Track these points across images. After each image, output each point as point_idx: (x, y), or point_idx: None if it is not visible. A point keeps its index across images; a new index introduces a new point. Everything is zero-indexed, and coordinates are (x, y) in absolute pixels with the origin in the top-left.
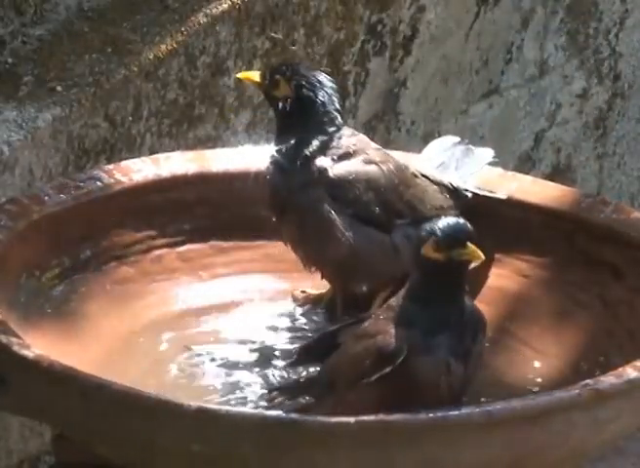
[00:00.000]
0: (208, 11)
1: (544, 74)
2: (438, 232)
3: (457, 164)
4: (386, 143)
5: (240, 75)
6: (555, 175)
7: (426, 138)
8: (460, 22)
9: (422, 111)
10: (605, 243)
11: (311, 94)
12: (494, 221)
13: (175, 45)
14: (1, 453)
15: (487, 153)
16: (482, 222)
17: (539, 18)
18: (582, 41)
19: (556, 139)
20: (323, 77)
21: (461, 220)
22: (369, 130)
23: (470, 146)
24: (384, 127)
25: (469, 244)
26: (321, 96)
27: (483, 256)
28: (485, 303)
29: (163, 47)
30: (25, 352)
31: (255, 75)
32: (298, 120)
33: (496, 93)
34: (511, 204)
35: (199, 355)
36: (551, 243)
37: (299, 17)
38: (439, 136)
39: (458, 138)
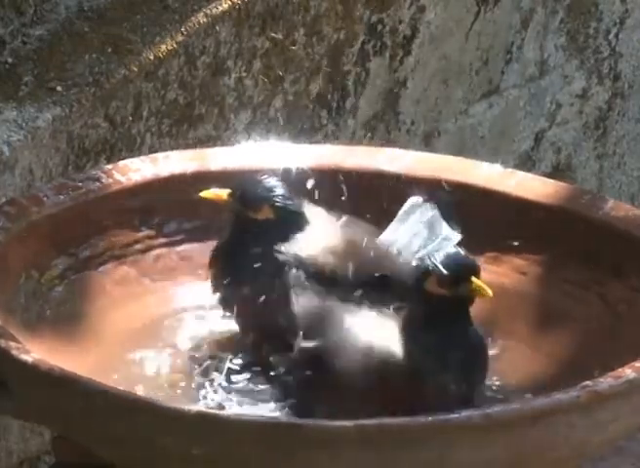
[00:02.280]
0: (208, 11)
1: (544, 74)
2: (442, 267)
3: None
4: (386, 143)
5: (205, 194)
6: (555, 175)
7: (426, 138)
8: (459, 22)
9: (422, 111)
10: (604, 240)
11: (294, 217)
12: (491, 218)
13: (175, 45)
14: (1, 453)
15: (454, 236)
16: (480, 219)
17: (539, 18)
18: (582, 41)
19: (556, 139)
20: (293, 199)
21: (465, 254)
22: (369, 130)
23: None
24: (384, 127)
25: (475, 279)
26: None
27: (490, 293)
28: (482, 301)
29: (163, 47)
30: (25, 356)
31: (222, 193)
32: (278, 238)
33: (496, 93)
34: (510, 200)
35: (200, 355)
36: (550, 240)
37: (299, 17)
38: (439, 135)
39: (431, 209)
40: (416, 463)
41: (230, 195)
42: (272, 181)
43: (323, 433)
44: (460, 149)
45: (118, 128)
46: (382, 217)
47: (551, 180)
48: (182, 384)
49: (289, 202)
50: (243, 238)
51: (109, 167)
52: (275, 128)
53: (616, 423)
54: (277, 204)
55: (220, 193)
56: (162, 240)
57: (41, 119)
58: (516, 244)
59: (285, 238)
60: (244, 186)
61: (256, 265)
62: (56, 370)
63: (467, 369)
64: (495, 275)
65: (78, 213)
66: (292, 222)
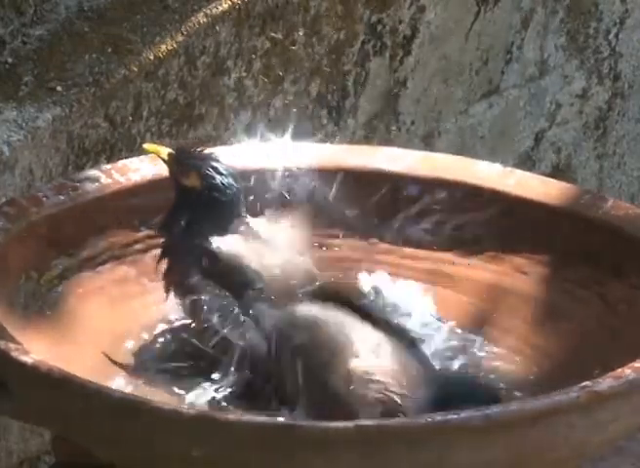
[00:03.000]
0: (208, 11)
1: (544, 74)
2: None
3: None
4: (386, 143)
5: (147, 146)
6: (555, 175)
7: (426, 138)
8: (459, 22)
9: (422, 111)
10: (604, 239)
11: (219, 196)
12: (491, 217)
13: (175, 45)
14: (1, 453)
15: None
16: (480, 218)
17: (539, 18)
18: (582, 41)
19: (556, 139)
20: (231, 178)
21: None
22: (369, 130)
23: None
24: (384, 127)
25: None
26: (228, 197)
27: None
28: (483, 300)
29: (163, 47)
30: (24, 358)
31: (163, 151)
32: (204, 214)
33: (496, 93)
34: (509, 200)
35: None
36: (550, 239)
37: (299, 17)
38: (439, 136)
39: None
40: (415, 464)
41: (169, 155)
42: (212, 151)
43: (323, 434)
44: (460, 149)
45: (118, 128)
46: (382, 217)
47: (551, 179)
48: (187, 384)
49: (220, 175)
50: (178, 205)
51: (109, 167)
52: (275, 128)
53: (616, 423)
54: (205, 173)
55: (161, 150)
56: (161, 240)
57: (41, 119)
58: (515, 243)
59: (211, 213)
60: (182, 149)
61: (182, 236)
62: (55, 371)
63: None
64: (495, 274)
65: (78, 213)
66: (217, 197)
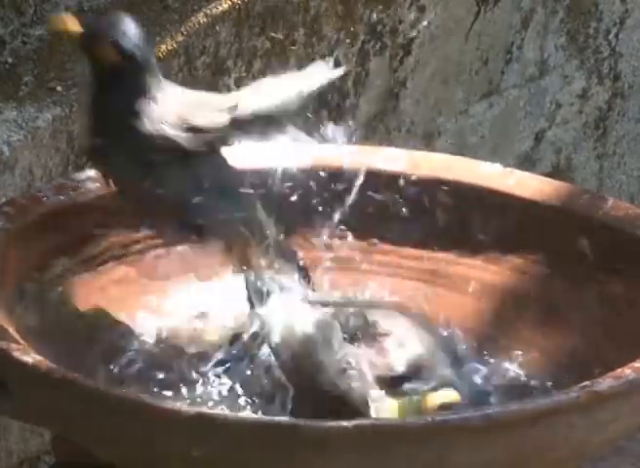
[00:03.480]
0: (208, 11)
1: (544, 74)
2: None
3: None
4: (386, 143)
5: (54, 18)
6: (555, 175)
7: (426, 138)
8: (459, 22)
9: (422, 111)
10: (603, 239)
11: (138, 66)
12: (491, 217)
13: (175, 45)
14: (1, 453)
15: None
16: (479, 218)
17: (539, 18)
18: (582, 41)
19: (556, 139)
20: (143, 41)
21: None
22: (369, 130)
23: None
24: (384, 127)
25: None
26: (146, 65)
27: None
28: (481, 300)
29: (163, 47)
30: (25, 358)
31: (72, 24)
32: (124, 85)
33: (496, 93)
34: (509, 200)
35: (200, 355)
36: (550, 239)
37: (299, 17)
38: (439, 136)
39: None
40: (415, 464)
41: (80, 28)
42: (124, 19)
43: (323, 434)
44: (460, 149)
45: None
46: (382, 217)
47: (551, 180)
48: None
49: (134, 41)
50: (98, 87)
51: None
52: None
53: (616, 423)
54: (121, 44)
55: (69, 23)
56: (161, 240)
57: (41, 119)
58: (515, 243)
59: (135, 89)
60: (93, 21)
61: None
62: (55, 371)
63: None
64: (495, 274)
65: (78, 213)
66: (137, 68)
